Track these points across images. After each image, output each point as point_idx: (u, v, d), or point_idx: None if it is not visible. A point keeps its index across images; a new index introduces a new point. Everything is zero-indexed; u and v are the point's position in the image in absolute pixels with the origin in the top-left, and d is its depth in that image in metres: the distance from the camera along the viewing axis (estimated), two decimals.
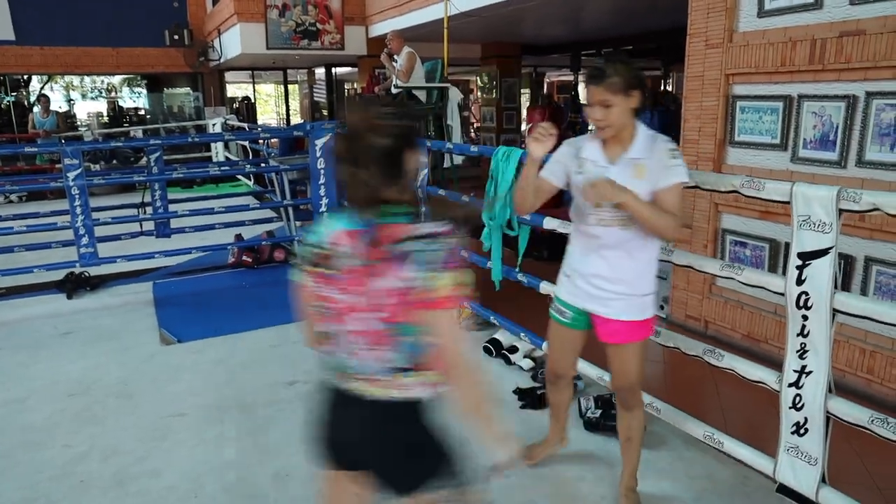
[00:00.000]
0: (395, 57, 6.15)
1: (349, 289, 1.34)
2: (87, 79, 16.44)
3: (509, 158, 2.91)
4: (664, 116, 7.37)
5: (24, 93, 13.32)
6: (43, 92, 12.20)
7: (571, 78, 17.23)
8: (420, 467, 1.42)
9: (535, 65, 14.71)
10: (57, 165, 9.86)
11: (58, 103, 11.62)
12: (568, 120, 11.50)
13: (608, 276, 2.06)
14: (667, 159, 1.93)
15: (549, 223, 2.81)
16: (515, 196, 2.20)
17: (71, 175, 4.51)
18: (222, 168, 7.88)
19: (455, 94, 6.22)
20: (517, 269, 3.15)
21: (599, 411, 2.84)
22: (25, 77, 13.12)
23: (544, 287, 2.97)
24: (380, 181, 1.32)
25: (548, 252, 5.16)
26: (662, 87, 12.70)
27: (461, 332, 1.35)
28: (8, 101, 12.86)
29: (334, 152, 1.45)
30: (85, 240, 4.66)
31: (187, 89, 13.95)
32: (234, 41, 9.88)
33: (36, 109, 10.74)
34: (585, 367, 2.87)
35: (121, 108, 15.00)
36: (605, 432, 2.78)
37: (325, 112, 13.75)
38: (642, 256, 2.04)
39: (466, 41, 10.14)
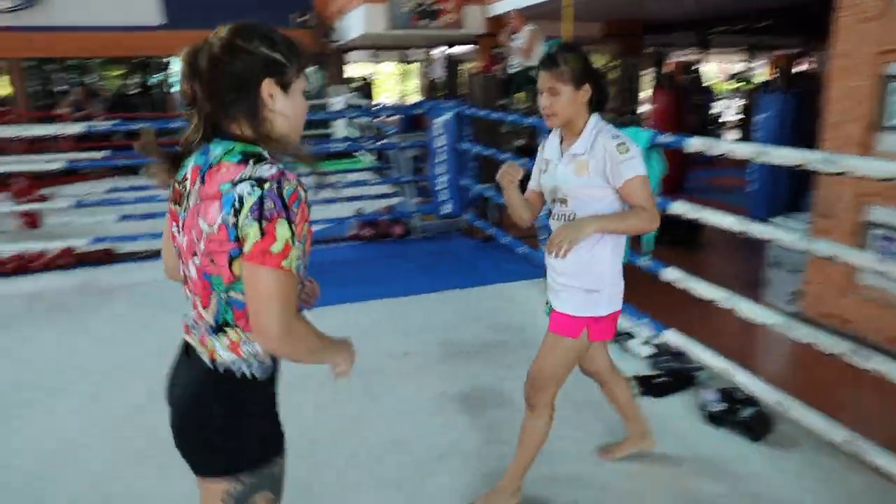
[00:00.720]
0: (516, 35, 6.10)
1: (183, 229, 1.22)
2: None
3: (637, 141, 2.82)
4: (800, 99, 6.80)
5: (166, 74, 14.42)
6: None
7: (694, 58, 16.35)
8: (212, 449, 1.25)
9: (657, 44, 14.07)
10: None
11: None
12: (691, 102, 10.94)
13: (557, 269, 2.03)
14: (617, 155, 1.85)
15: (678, 207, 2.69)
16: (512, 214, 2.15)
17: None
18: (347, 144, 8.18)
19: None
20: (645, 256, 3.05)
21: (724, 405, 2.72)
22: (166, 60, 14.19)
23: (667, 274, 2.87)
24: (216, 109, 1.19)
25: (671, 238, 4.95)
26: (801, 67, 11.74)
27: (279, 299, 1.12)
28: (154, 81, 14.01)
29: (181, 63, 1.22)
30: None
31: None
32: (357, 22, 10.17)
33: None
34: (709, 358, 2.75)
35: None
36: (729, 427, 2.66)
37: (439, 92, 13.90)
38: (583, 251, 1.93)
39: (587, 19, 9.86)
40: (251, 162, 1.15)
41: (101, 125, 6.01)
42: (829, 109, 3.94)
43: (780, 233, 2.22)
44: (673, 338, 2.92)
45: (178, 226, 1.24)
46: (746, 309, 2.40)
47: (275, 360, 1.29)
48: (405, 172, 6.01)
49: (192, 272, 1.21)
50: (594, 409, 2.85)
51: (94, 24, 11.53)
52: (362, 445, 2.64)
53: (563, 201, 1.99)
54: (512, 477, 2.17)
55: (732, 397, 2.75)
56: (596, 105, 1.96)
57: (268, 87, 1.19)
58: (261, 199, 1.10)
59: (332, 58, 13.21)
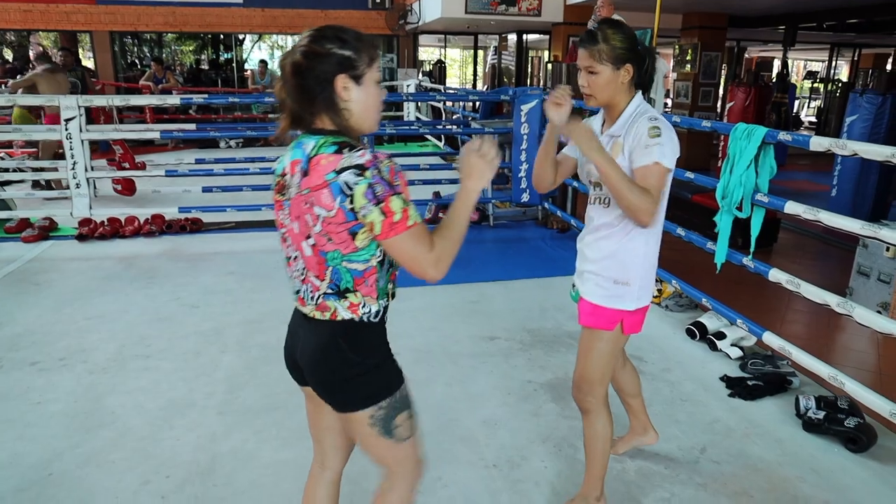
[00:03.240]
0: None
1: (291, 216, 1.39)
2: (289, 38, 17.80)
3: (750, 137, 2.74)
4: None
5: (238, 50, 14.75)
6: (262, 59, 13.44)
7: (775, 54, 15.73)
8: (348, 387, 1.44)
9: (739, 38, 13.59)
10: (270, 116, 10.91)
11: (260, 62, 12.78)
12: (773, 100, 10.56)
13: (588, 256, 1.96)
14: (646, 138, 1.73)
15: (792, 207, 2.61)
16: (534, 171, 2.01)
17: None
18: (426, 127, 8.23)
19: (662, 66, 5.95)
20: (749, 256, 2.98)
21: (822, 413, 2.65)
22: (241, 37, 14.50)
23: (774, 275, 2.80)
24: (301, 107, 1.36)
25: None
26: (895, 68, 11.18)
27: (419, 247, 1.33)
28: (226, 58, 14.35)
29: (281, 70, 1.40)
30: None
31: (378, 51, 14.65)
32: (435, 5, 10.17)
33: (255, 69, 12.05)
34: (812, 363, 2.68)
35: None
36: (828, 436, 2.59)
37: (506, 79, 13.80)
38: (622, 240, 1.85)
39: (670, 10, 9.60)
40: (345, 151, 1.30)
41: (198, 98, 6.20)
42: None
43: None
44: (772, 340, 2.84)
45: (283, 214, 1.43)
46: (863, 316, 2.32)
47: (383, 309, 1.45)
48: None
49: (308, 251, 1.39)
50: (691, 406, 2.82)
51: None
52: (454, 424, 2.68)
53: (599, 185, 1.89)
54: (591, 485, 2.08)
55: (833, 405, 2.68)
56: (639, 86, 1.85)
57: (342, 81, 1.33)
58: (370, 186, 1.27)
59: (404, 40, 13.27)
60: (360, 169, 1.27)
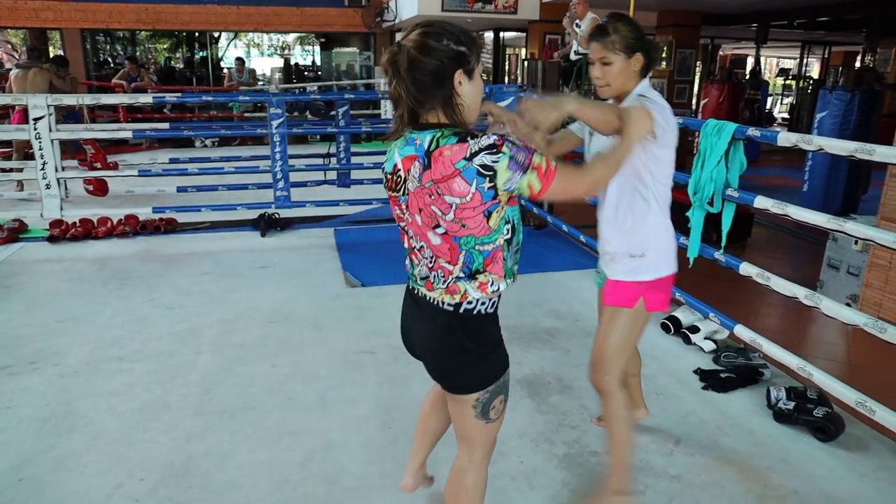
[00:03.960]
0: (578, 22, 6.03)
1: (412, 208, 1.47)
2: (265, 36, 17.64)
3: (720, 133, 2.78)
4: (867, 98, 6.61)
5: (214, 48, 14.59)
6: (238, 56, 13.32)
7: (748, 51, 15.94)
8: (469, 373, 1.54)
9: (713, 35, 13.76)
10: (247, 115, 10.82)
11: (236, 59, 12.66)
12: (746, 97, 10.71)
13: (606, 236, 2.02)
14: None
15: (762, 202, 2.66)
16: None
17: (275, 123, 4.92)
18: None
19: None
20: (720, 250, 3.02)
21: (792, 403, 2.70)
22: (217, 34, 14.34)
23: (745, 268, 2.84)
24: (420, 102, 1.39)
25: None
26: (863, 65, 11.39)
27: (572, 175, 1.46)
28: (201, 57, 14.19)
29: (383, 67, 1.44)
30: (281, 184, 5.10)
31: (355, 49, 14.59)
32: (411, 2, 10.14)
33: (232, 67, 11.93)
34: (782, 355, 2.73)
35: (296, 65, 16.01)
36: (798, 426, 2.64)
37: (487, 76, 13.82)
38: (631, 214, 1.93)
39: (644, 8, 9.68)
40: (469, 140, 1.35)
41: (171, 97, 6.13)
42: None
43: (880, 233, 2.18)
44: (744, 333, 2.89)
45: (401, 209, 1.52)
46: (830, 308, 2.37)
47: (496, 298, 1.54)
48: None
49: (436, 240, 1.46)
50: (665, 399, 2.86)
51: None
52: None
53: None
54: (618, 478, 2.06)
55: (803, 396, 2.73)
56: (643, 71, 1.93)
57: (458, 76, 1.39)
58: (511, 159, 1.35)
59: (381, 38, 13.23)
60: (494, 148, 1.34)
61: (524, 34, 11.48)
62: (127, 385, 2.96)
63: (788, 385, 2.85)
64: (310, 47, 17.03)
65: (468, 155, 1.33)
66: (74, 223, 5.35)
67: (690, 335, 3.39)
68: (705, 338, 3.37)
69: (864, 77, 7.13)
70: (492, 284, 1.48)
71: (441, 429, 2.06)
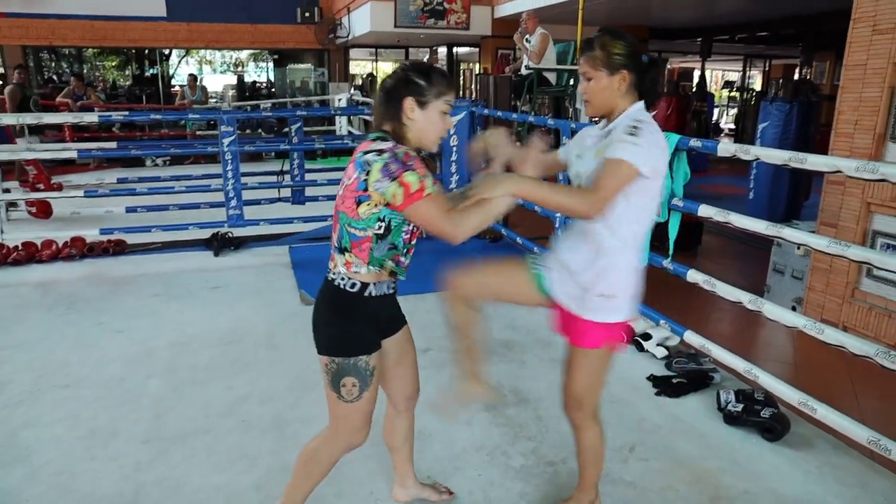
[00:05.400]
0: (528, 37, 6.14)
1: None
2: (217, 53, 17.45)
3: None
4: (805, 108, 6.89)
5: (165, 66, 14.36)
6: (191, 73, 13.12)
7: (694, 65, 16.48)
8: (319, 334, 1.79)
9: (660, 49, 14.18)
10: (200, 133, 10.64)
11: (189, 76, 12.47)
12: (693, 109, 11.04)
13: (570, 265, 1.86)
14: (621, 134, 1.70)
15: (705, 210, 2.74)
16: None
17: (226, 141, 4.86)
18: (357, 140, 8.19)
19: None
20: (668, 258, 3.10)
21: (741, 405, 2.77)
22: (167, 52, 14.13)
23: (691, 276, 2.92)
24: (379, 112, 1.72)
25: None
26: (801, 77, 11.88)
27: (434, 209, 1.61)
28: (151, 74, 13.94)
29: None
30: (234, 202, 5.03)
31: (310, 65, 14.54)
32: (364, 19, 10.19)
33: (185, 85, 11.76)
34: (730, 359, 2.81)
35: (252, 82, 15.87)
36: (747, 427, 2.72)
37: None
38: (593, 252, 1.80)
39: (593, 24, 9.92)
40: (377, 142, 1.65)
41: (118, 115, 5.99)
42: (840, 119, 4.02)
43: (813, 238, 2.27)
44: (693, 339, 2.96)
45: None
46: (773, 312, 2.45)
47: (365, 285, 1.74)
48: None
49: (334, 209, 1.74)
50: (620, 407, 2.91)
51: (97, 13, 11.48)
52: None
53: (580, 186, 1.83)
54: (585, 490, 2.11)
55: (750, 398, 2.81)
56: (643, 96, 1.82)
57: (409, 103, 1.68)
58: (385, 165, 1.59)
59: (335, 54, 13.22)
60: (380, 152, 1.61)
61: (477, 49, 11.64)
62: (73, 413, 2.86)
63: (737, 388, 2.94)
64: (264, 64, 16.91)
65: (367, 150, 1.63)
66: (16, 247, 5.16)
67: (643, 342, 3.46)
68: (657, 344, 3.45)
69: (801, 89, 7.44)
70: (355, 265, 1.71)
71: (402, 438, 2.16)
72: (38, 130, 8.07)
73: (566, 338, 1.95)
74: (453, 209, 1.64)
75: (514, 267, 2.02)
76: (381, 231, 1.67)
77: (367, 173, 1.60)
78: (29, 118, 5.61)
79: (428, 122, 1.70)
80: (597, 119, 1.95)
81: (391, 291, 1.85)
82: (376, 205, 1.63)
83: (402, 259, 1.78)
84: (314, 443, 1.92)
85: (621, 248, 1.79)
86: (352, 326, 1.76)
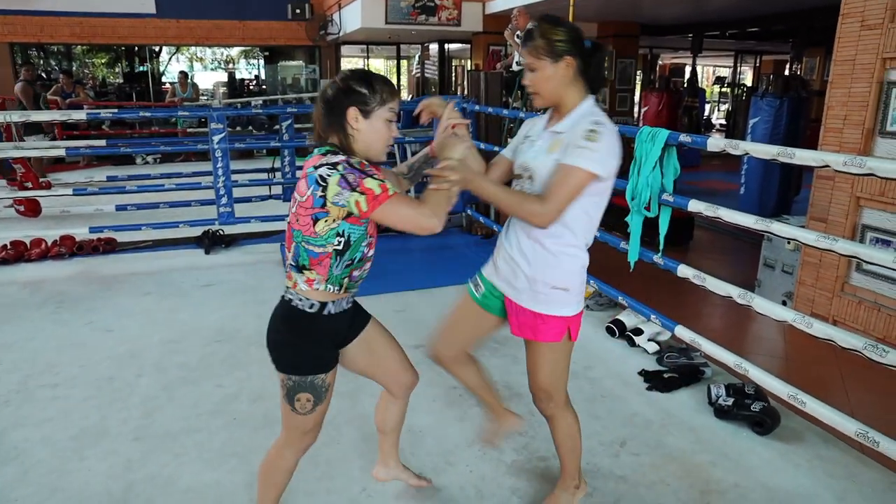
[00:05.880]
0: (520, 33, 6.13)
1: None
2: (208, 50, 17.36)
3: (654, 139, 2.87)
4: (795, 104, 6.92)
5: (155, 63, 14.26)
6: (182, 70, 13.04)
7: (686, 60, 16.51)
8: (275, 352, 1.78)
9: (651, 45, 14.21)
10: (191, 130, 10.58)
11: (180, 73, 12.36)
12: (684, 105, 11.08)
13: (516, 258, 1.85)
14: (580, 139, 1.68)
15: (695, 205, 2.75)
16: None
17: (216, 138, 4.83)
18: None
19: None
20: (659, 253, 3.10)
21: (731, 399, 2.78)
22: (157, 48, 14.03)
23: (682, 270, 2.93)
24: (323, 125, 1.68)
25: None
26: (791, 73, 11.93)
27: (404, 207, 1.59)
28: (141, 70, 13.84)
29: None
30: (224, 200, 5.01)
31: (301, 62, 14.48)
32: (355, 15, 10.15)
33: (176, 82, 11.66)
34: (720, 353, 2.82)
35: (241, 79, 15.77)
36: (737, 421, 2.73)
37: (433, 88, 13.90)
38: (547, 242, 1.79)
39: (584, 20, 9.94)
40: (328, 155, 1.61)
41: (107, 113, 5.95)
42: (829, 114, 4.04)
43: (802, 232, 2.28)
44: (684, 334, 2.97)
45: None
46: (762, 306, 2.46)
47: (324, 304, 1.70)
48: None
49: (287, 227, 1.70)
50: (611, 402, 2.91)
51: (85, 9, 11.39)
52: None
53: (531, 178, 1.81)
54: (569, 477, 2.11)
55: (741, 392, 2.83)
56: (590, 84, 1.81)
57: (353, 113, 1.64)
58: (342, 177, 1.56)
59: (326, 51, 13.17)
60: (334, 165, 1.57)
61: (469, 46, 11.62)
62: (62, 412, 2.84)
63: (728, 382, 2.95)
64: (254, 61, 16.82)
65: (317, 164, 1.58)
66: (5, 245, 5.12)
67: (634, 337, 3.47)
68: (649, 339, 3.46)
69: (792, 84, 7.46)
70: (317, 283, 1.67)
71: (394, 423, 2.17)
72: (37, 128, 7.88)
73: (524, 336, 1.94)
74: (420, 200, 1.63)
75: (460, 305, 2.09)
76: (341, 247, 1.64)
77: (324, 189, 1.56)
78: (16, 116, 5.55)
79: (373, 131, 1.66)
80: (542, 111, 1.94)
81: (349, 305, 1.82)
82: (335, 220, 1.60)
83: (356, 273, 1.73)
84: (270, 455, 1.92)
85: (573, 243, 1.80)
86: (309, 347, 1.74)
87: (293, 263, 1.68)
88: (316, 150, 1.65)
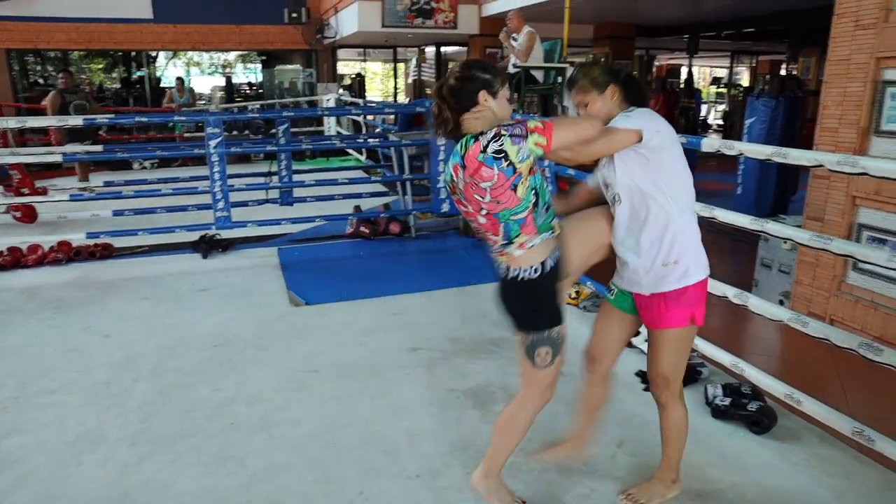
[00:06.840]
0: (515, 36, 6.14)
1: (465, 201, 1.89)
2: (205, 55, 17.35)
3: None
4: (791, 103, 6.94)
5: (152, 68, 14.27)
6: (178, 75, 13.02)
7: (682, 61, 16.56)
8: (514, 316, 1.96)
9: (647, 47, 14.23)
10: (188, 135, 10.58)
11: (177, 79, 12.36)
12: (681, 106, 11.10)
13: (630, 258, 2.02)
14: (615, 119, 1.95)
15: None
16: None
17: (212, 143, 4.83)
18: (345, 141, 8.18)
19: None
20: None
21: (728, 399, 2.78)
22: (154, 54, 14.03)
23: None
24: (453, 114, 1.85)
25: None
26: (787, 73, 11.95)
27: (569, 121, 1.86)
28: (138, 76, 13.85)
29: (434, 92, 1.91)
30: (221, 204, 5.00)
31: (298, 66, 14.49)
32: (352, 19, 10.17)
33: (173, 87, 11.66)
34: (716, 352, 2.82)
35: (237, 84, 15.79)
36: (734, 420, 2.73)
37: (428, 91, 13.92)
38: (654, 225, 1.95)
39: (580, 21, 9.95)
40: (481, 138, 1.79)
41: (103, 118, 5.94)
42: (824, 114, 4.05)
43: (796, 232, 2.28)
44: None
45: (462, 205, 1.94)
46: (758, 305, 2.46)
47: (543, 263, 1.88)
48: (405, 171, 6.03)
49: (482, 220, 1.88)
50: (609, 403, 2.90)
51: (82, 15, 11.40)
52: (377, 437, 2.66)
53: (607, 185, 2.02)
54: (668, 469, 2.21)
55: (737, 392, 2.83)
56: (634, 100, 2.01)
57: (483, 96, 1.85)
58: (511, 136, 1.76)
59: (323, 55, 13.18)
60: (496, 136, 1.76)
61: (465, 48, 11.64)
62: (59, 418, 2.84)
63: (724, 382, 2.95)
64: (252, 65, 16.82)
65: (482, 148, 1.76)
66: (1, 251, 5.12)
67: (632, 338, 3.46)
68: (646, 340, 3.45)
69: (788, 84, 7.49)
70: (529, 241, 1.85)
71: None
72: (80, 134, 7.76)
73: (652, 326, 2.07)
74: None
75: (602, 309, 2.26)
76: (535, 198, 1.84)
77: (506, 156, 1.74)
78: (13, 122, 5.55)
79: (501, 107, 1.87)
80: None
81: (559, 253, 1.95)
82: (525, 179, 1.79)
83: (549, 211, 1.92)
84: (509, 410, 2.09)
85: (666, 216, 1.94)
86: (542, 304, 1.93)
87: (504, 242, 1.86)
88: (465, 143, 1.81)
